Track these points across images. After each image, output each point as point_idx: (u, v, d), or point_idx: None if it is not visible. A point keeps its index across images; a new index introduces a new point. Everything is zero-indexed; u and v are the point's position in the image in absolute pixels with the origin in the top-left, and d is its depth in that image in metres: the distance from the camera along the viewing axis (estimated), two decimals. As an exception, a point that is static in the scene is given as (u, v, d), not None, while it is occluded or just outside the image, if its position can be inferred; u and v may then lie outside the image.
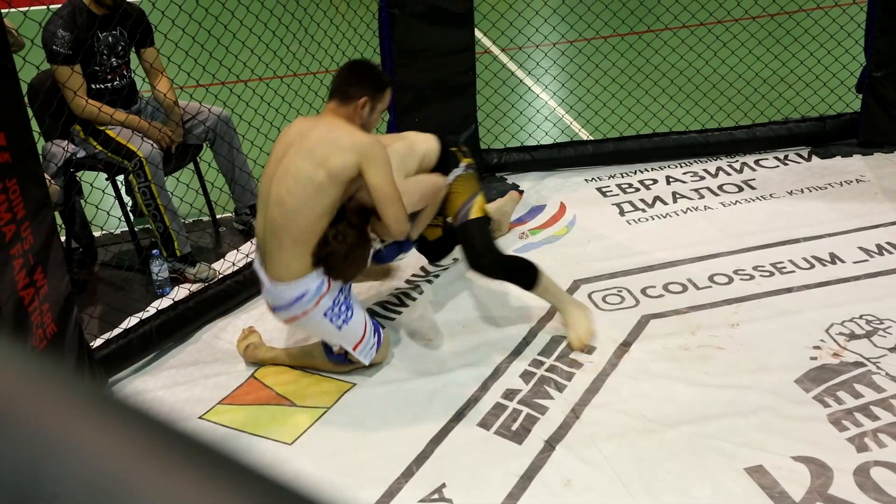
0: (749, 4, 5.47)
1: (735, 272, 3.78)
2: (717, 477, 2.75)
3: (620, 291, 3.70)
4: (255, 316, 3.59)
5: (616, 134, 4.87)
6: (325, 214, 2.85)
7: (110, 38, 3.65)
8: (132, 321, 3.43)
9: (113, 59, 3.70)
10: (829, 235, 3.99)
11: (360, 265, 3.00)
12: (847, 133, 4.81)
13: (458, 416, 3.05)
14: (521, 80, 6.04)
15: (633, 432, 2.94)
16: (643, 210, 4.34)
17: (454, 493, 2.73)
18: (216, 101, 3.99)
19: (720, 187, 4.51)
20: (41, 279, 2.72)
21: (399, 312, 3.61)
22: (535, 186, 4.60)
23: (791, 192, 4.42)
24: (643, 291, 3.69)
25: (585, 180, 4.65)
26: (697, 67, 5.01)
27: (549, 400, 3.10)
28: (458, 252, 3.99)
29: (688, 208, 4.34)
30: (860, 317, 3.41)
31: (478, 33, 5.71)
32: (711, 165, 4.73)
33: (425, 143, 3.29)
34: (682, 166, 4.74)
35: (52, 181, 3.51)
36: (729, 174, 4.63)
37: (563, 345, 3.38)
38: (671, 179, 4.62)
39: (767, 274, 3.75)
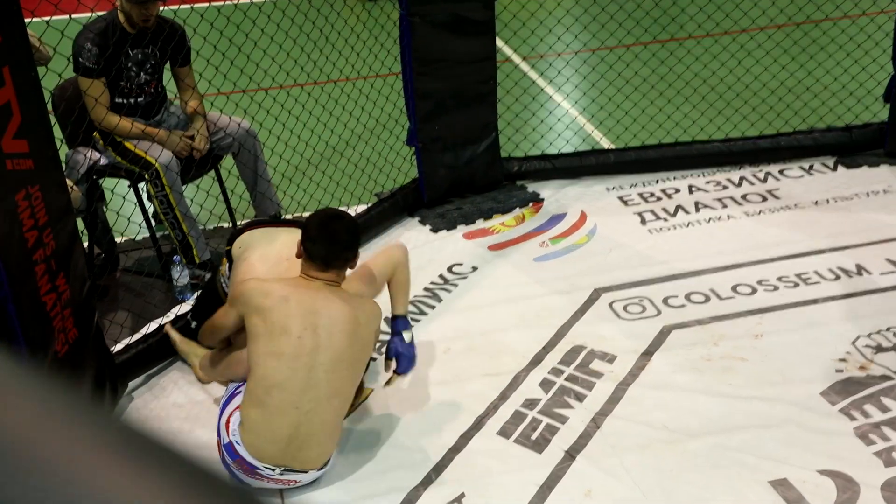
0: (774, 13, 5.43)
1: (759, 282, 3.73)
2: (741, 490, 2.71)
3: (642, 301, 3.66)
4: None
5: (638, 143, 4.83)
6: (359, 381, 2.87)
7: (140, 56, 3.67)
8: (152, 326, 3.43)
9: (142, 76, 3.72)
10: (856, 246, 3.93)
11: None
12: (874, 143, 4.75)
13: (477, 424, 3.03)
14: (542, 89, 6.02)
15: (655, 443, 2.91)
16: (665, 219, 4.31)
17: (473, 501, 2.71)
18: (237, 109, 4.00)
19: (744, 197, 4.47)
20: (63, 285, 2.72)
21: (417, 321, 3.59)
22: (556, 195, 4.57)
23: (816, 203, 4.36)
24: (665, 301, 3.65)
25: (607, 189, 4.62)
26: (721, 76, 4.97)
27: (570, 409, 3.07)
28: (474, 261, 3.97)
29: (710, 218, 4.29)
30: (887, 329, 3.36)
31: (499, 42, 5.70)
32: (735, 175, 4.68)
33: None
34: (704, 175, 4.69)
35: (75, 187, 3.52)
36: (752, 184, 4.59)
37: (584, 354, 3.34)
38: (694, 188, 4.58)
39: (792, 285, 3.70)
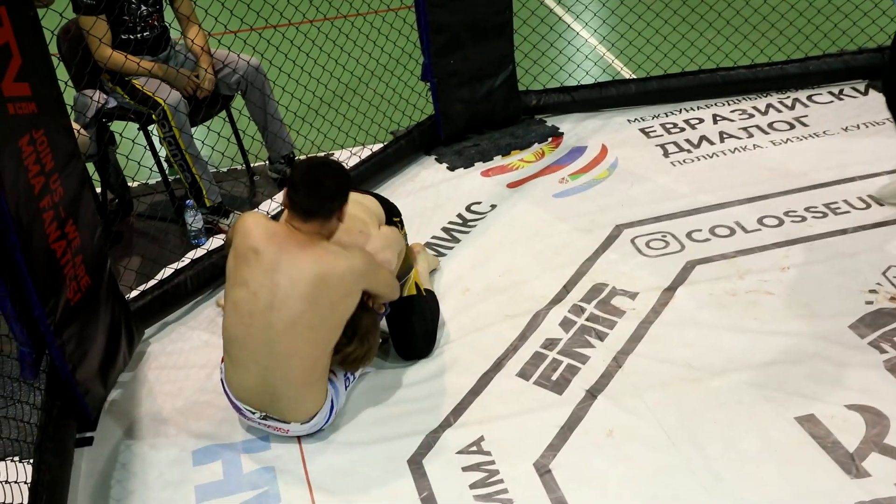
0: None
1: (786, 214, 3.63)
2: (767, 427, 2.66)
3: (664, 236, 3.57)
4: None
5: (660, 72, 4.69)
6: (337, 335, 2.66)
7: None
8: (167, 272, 3.40)
9: (143, 8, 3.62)
10: (888, 173, 3.80)
11: (377, 340, 2.85)
12: (906, 65, 4.57)
13: (497, 366, 2.99)
14: (559, 18, 5.85)
15: (678, 381, 2.85)
16: (688, 151, 4.19)
17: (493, 444, 2.68)
18: (245, 47, 3.90)
19: (770, 125, 4.33)
20: (73, 232, 2.68)
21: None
22: (576, 129, 4.46)
23: (846, 129, 4.22)
24: (688, 236, 3.56)
25: (628, 121, 4.49)
26: None
27: (591, 349, 3.02)
28: (493, 199, 3.89)
29: (736, 148, 4.17)
30: (919, 259, 3.26)
31: (515, -30, 5.51)
32: (761, 102, 4.53)
33: (372, 204, 3.04)
34: (729, 104, 4.55)
35: (82, 131, 3.46)
36: (780, 111, 4.44)
37: (605, 292, 3.28)
38: (718, 118, 4.44)
39: (820, 215, 3.59)
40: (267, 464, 2.69)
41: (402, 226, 3.17)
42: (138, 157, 3.65)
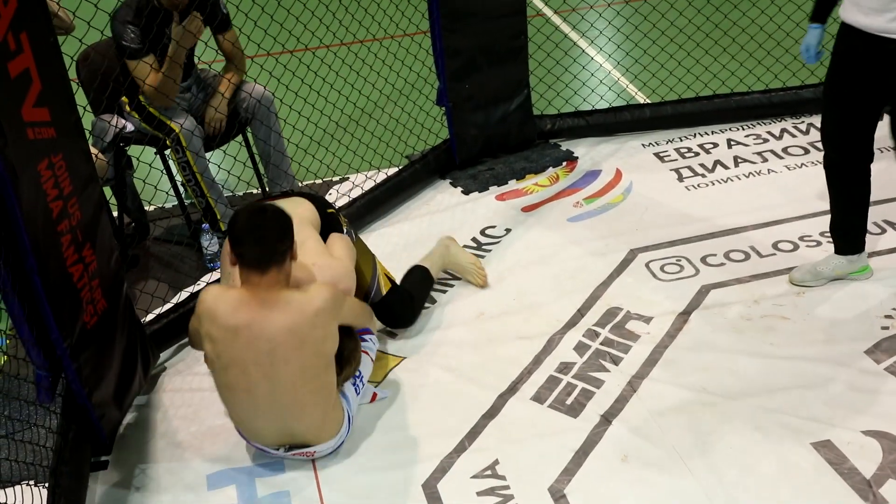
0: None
1: (801, 238, 3.62)
2: (783, 452, 2.64)
3: (679, 260, 3.57)
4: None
5: (674, 96, 4.70)
6: (334, 368, 2.66)
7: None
8: (183, 295, 3.42)
9: None
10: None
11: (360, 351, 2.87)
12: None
13: (512, 389, 2.98)
14: (574, 43, 5.88)
15: (693, 406, 2.84)
16: (703, 175, 4.19)
17: (507, 468, 2.67)
18: (261, 72, 3.93)
19: (785, 150, 4.33)
20: (90, 255, 2.70)
21: (451, 286, 3.54)
22: (590, 152, 4.47)
23: (861, 154, 4.21)
24: (703, 260, 3.55)
25: (642, 145, 4.50)
26: (761, 24, 4.79)
27: (605, 373, 3.01)
28: (507, 222, 3.90)
29: (750, 172, 4.17)
30: (936, 284, 3.24)
31: (530, -5, 5.55)
32: (775, 127, 4.53)
33: (306, 212, 2.94)
34: (744, 129, 4.55)
35: (100, 155, 3.50)
36: (794, 136, 4.44)
37: (620, 316, 3.27)
38: (732, 143, 4.44)
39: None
40: (282, 488, 2.68)
41: (339, 213, 3.11)
42: (155, 181, 3.68)
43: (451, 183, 4.31)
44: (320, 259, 2.76)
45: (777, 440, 2.68)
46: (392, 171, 4.24)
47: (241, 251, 2.48)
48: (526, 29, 4.29)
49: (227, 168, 4.11)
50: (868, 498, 2.47)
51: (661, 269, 3.53)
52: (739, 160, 4.27)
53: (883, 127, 3.09)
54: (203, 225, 3.72)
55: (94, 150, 3.32)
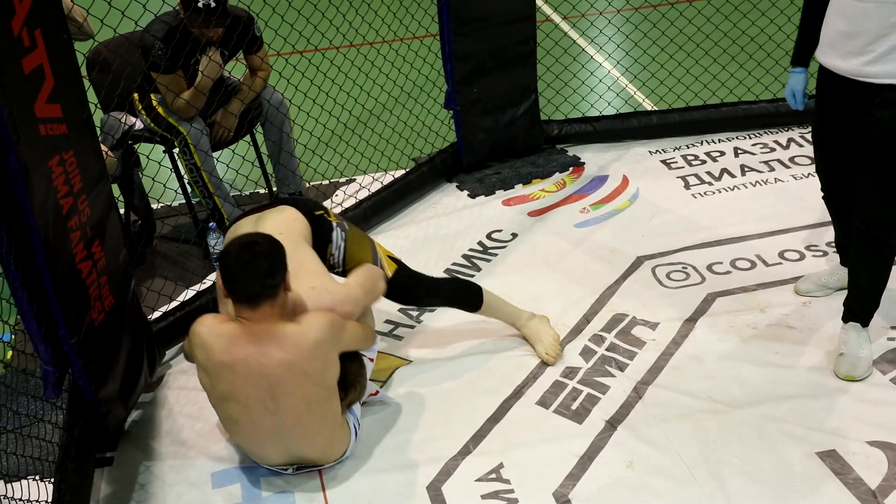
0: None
1: (807, 248, 3.62)
2: (787, 462, 2.64)
3: (685, 268, 3.57)
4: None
5: (682, 104, 4.70)
6: (337, 394, 2.60)
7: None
8: (189, 294, 3.42)
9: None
10: None
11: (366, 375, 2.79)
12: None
13: (517, 393, 2.98)
14: (583, 49, 5.89)
15: (698, 414, 2.84)
16: (710, 183, 4.19)
17: (512, 472, 2.67)
18: (272, 72, 3.94)
19: (791, 159, 4.33)
20: (99, 252, 2.71)
21: (457, 287, 3.54)
22: (597, 159, 4.47)
23: (867, 164, 4.21)
24: (709, 268, 3.55)
25: (649, 152, 4.51)
26: (770, 34, 4.80)
27: (611, 378, 3.01)
28: (513, 227, 3.91)
29: (757, 181, 4.17)
30: (942, 296, 3.24)
31: (538, 0, 5.57)
32: (783, 136, 4.54)
33: (295, 223, 2.86)
34: (751, 137, 4.56)
35: (110, 153, 3.51)
36: (801, 145, 4.44)
37: (625, 322, 3.27)
38: (739, 151, 4.45)
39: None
40: (286, 488, 2.68)
41: (328, 213, 2.99)
42: (163, 178, 3.68)
43: (457, 186, 4.32)
44: (319, 282, 2.66)
45: (782, 449, 2.68)
46: (399, 173, 4.25)
47: (231, 287, 2.43)
48: (535, 34, 4.30)
49: (236, 167, 4.11)
50: (873, 508, 2.47)
51: (668, 276, 3.53)
52: (746, 169, 4.28)
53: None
54: (210, 224, 3.72)
55: (103, 147, 3.32)
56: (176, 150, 3.77)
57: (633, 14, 6.04)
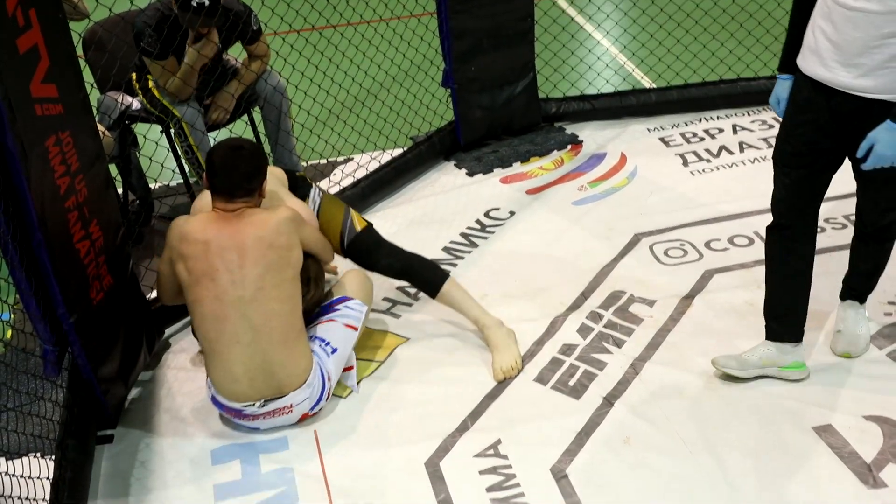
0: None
1: (805, 224, 3.62)
2: (784, 437, 2.65)
3: (683, 245, 3.58)
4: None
5: (680, 81, 4.69)
6: (299, 287, 2.80)
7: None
8: (188, 273, 3.42)
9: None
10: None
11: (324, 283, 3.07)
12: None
13: (514, 371, 2.99)
14: (581, 26, 5.87)
15: (695, 389, 2.85)
16: (708, 160, 4.19)
17: (509, 448, 2.69)
18: (268, 51, 3.93)
19: (790, 136, 4.32)
20: (97, 232, 2.72)
21: (454, 265, 3.55)
22: (595, 137, 4.47)
23: (866, 141, 4.20)
24: (707, 245, 3.56)
25: (648, 130, 4.50)
26: (769, 10, 4.78)
27: (608, 355, 3.02)
28: (511, 205, 3.91)
29: (755, 158, 4.17)
30: (939, 271, 3.24)
31: (537, -22, 5.52)
32: (781, 113, 4.53)
33: (277, 171, 3.15)
34: (750, 114, 4.55)
35: (106, 133, 3.50)
36: (799, 122, 4.43)
37: (623, 299, 3.28)
38: (738, 128, 4.44)
39: (840, 226, 3.59)
40: (285, 464, 2.70)
41: (305, 179, 3.25)
42: (160, 158, 3.68)
43: (455, 165, 4.31)
44: (292, 202, 2.99)
45: (778, 424, 2.69)
46: (397, 152, 4.25)
47: (214, 180, 2.72)
48: (533, 11, 4.29)
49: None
50: (868, 481, 2.48)
51: (665, 253, 3.54)
52: (745, 146, 4.27)
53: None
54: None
55: (100, 127, 3.32)
56: (172, 131, 3.77)
57: (632, -9, 6.01)
